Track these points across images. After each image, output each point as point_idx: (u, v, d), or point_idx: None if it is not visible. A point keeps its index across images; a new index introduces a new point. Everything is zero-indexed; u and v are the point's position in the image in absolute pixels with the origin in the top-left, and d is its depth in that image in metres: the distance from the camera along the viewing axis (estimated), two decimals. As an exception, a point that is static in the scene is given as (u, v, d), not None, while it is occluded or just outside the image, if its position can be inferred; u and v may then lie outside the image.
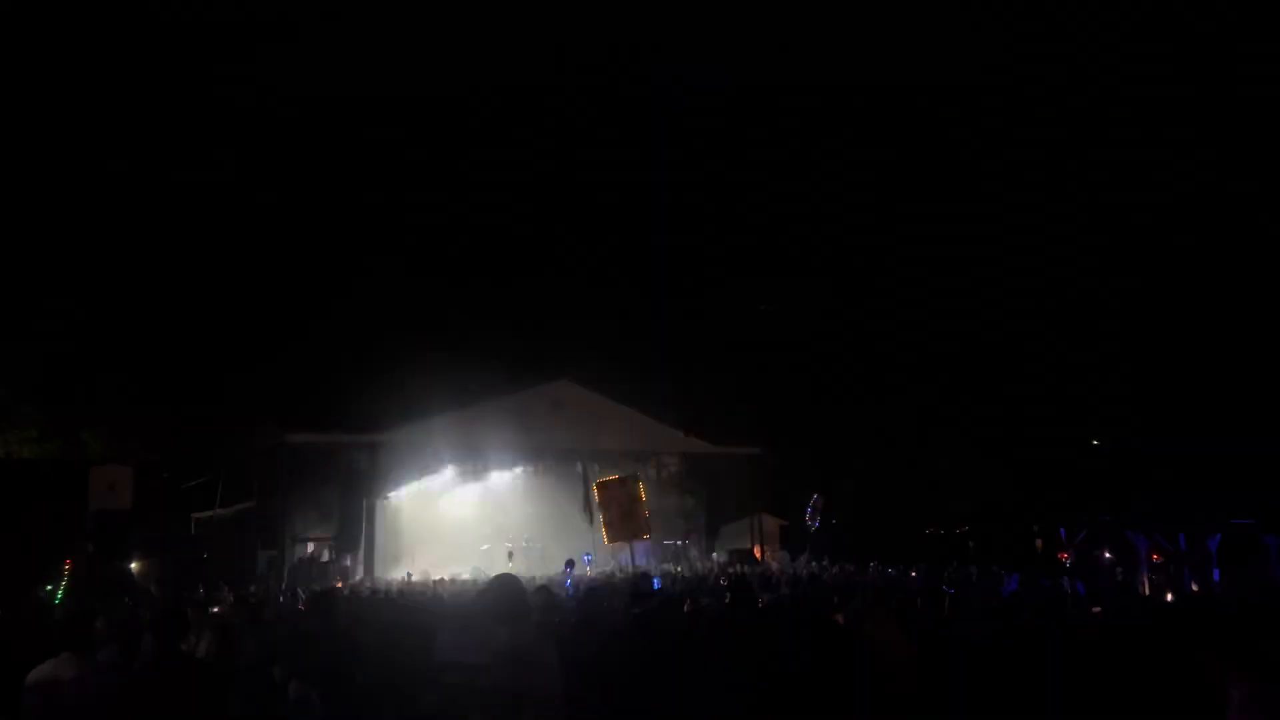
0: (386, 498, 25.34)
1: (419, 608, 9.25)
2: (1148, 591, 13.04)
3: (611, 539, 13.05)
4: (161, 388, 29.27)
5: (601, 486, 12.92)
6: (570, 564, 18.73)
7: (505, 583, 4.20)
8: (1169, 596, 10.83)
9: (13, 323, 26.45)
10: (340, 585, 19.52)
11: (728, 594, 8.52)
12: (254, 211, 35.45)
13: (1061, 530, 17.89)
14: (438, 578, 18.80)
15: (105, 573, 15.26)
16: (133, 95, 35.19)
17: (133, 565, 17.39)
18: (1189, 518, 15.32)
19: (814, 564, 22.34)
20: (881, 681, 5.96)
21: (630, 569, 23.05)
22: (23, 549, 15.86)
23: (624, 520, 12.76)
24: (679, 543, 27.28)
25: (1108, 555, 14.43)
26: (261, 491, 23.65)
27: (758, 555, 26.01)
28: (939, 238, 37.54)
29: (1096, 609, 10.87)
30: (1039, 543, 21.42)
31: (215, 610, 11.01)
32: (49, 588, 14.61)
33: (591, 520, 24.81)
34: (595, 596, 7.52)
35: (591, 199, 42.41)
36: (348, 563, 23.12)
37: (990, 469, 31.41)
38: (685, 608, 7.92)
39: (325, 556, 23.55)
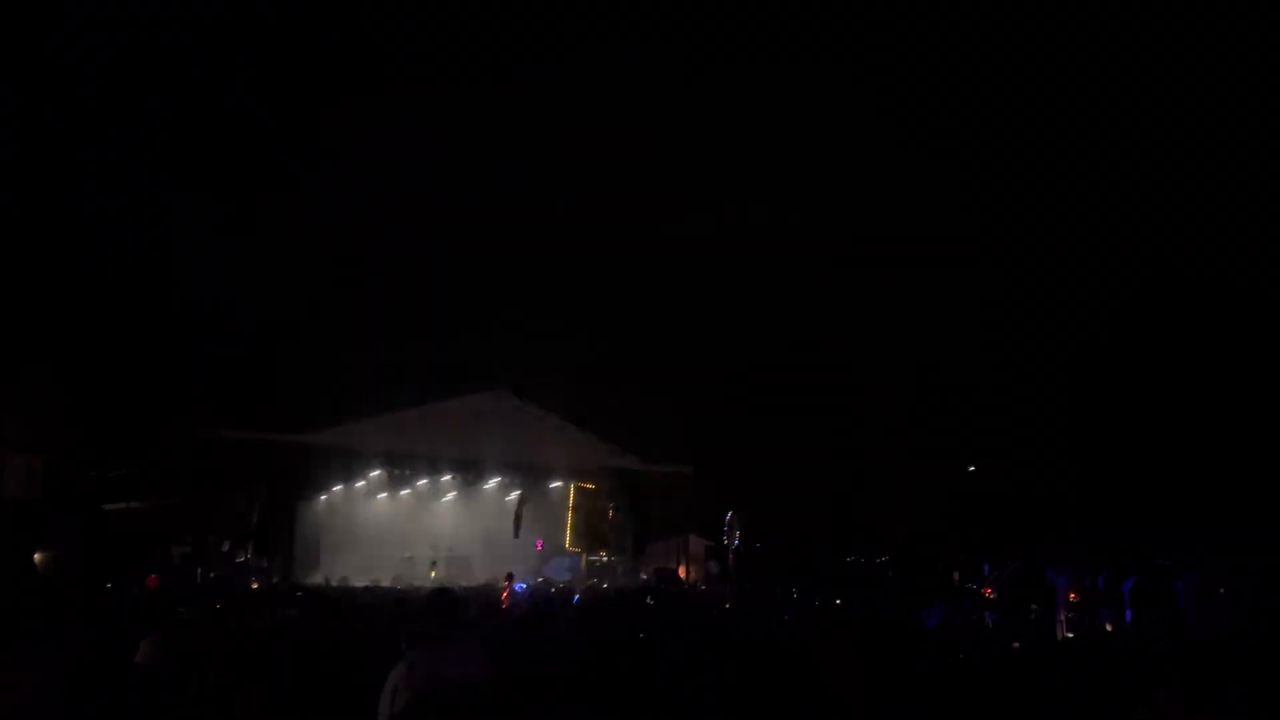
0: (310, 499, 24.84)
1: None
2: (1065, 630, 13.39)
3: (573, 544, 13.02)
4: (81, 377, 28.21)
5: (579, 491, 12.88)
6: (511, 576, 18.53)
7: (442, 595, 4.13)
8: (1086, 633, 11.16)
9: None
10: (255, 586, 19.05)
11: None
12: (189, 201, 34.52)
13: (985, 566, 18.28)
14: (363, 585, 18.48)
15: (11, 565, 14.64)
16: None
17: (37, 557, 16.70)
18: (1109, 558, 15.79)
19: (738, 587, 22.46)
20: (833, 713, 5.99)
21: (560, 583, 22.97)
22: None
23: (589, 531, 12.74)
24: (604, 559, 27.22)
25: (1028, 593, 14.83)
26: (181, 486, 22.96)
27: (681, 575, 26.06)
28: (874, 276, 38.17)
29: (1015, 644, 11.15)
30: (956, 576, 21.82)
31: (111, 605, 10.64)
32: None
33: (517, 533, 24.63)
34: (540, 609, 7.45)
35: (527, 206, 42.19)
36: (264, 564, 22.57)
37: (914, 500, 31.96)
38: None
39: (242, 556, 22.95)
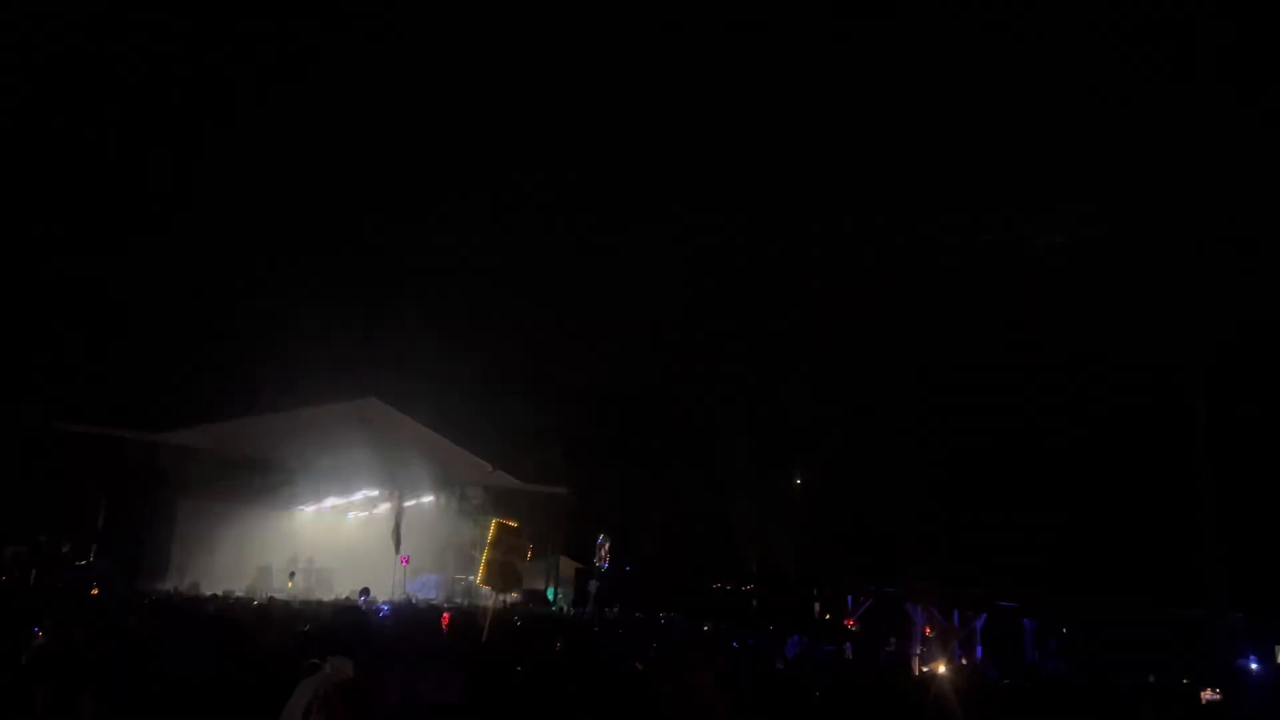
0: (161, 502, 23.53)
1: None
2: (918, 662, 13.88)
3: (483, 581, 12.54)
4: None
5: (500, 527, 12.36)
6: (367, 591, 17.94)
7: (353, 613, 3.97)
8: (940, 668, 11.59)
9: None
10: (95, 591, 17.90)
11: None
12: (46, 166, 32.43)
13: (849, 599, 18.83)
14: (212, 593, 17.61)
15: None
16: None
17: None
18: (961, 597, 16.50)
19: (606, 609, 22.46)
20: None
21: (420, 599, 22.43)
22: None
23: (502, 570, 12.33)
24: (469, 578, 26.74)
25: (887, 627, 15.32)
26: (17, 481, 21.41)
27: (550, 597, 25.90)
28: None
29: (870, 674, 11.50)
30: (817, 606, 22.42)
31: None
32: None
33: (398, 547, 23.98)
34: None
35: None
36: (106, 567, 21.22)
37: (778, 531, 32.63)
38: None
39: (84, 559, 21.55)
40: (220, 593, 18.47)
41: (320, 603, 17.83)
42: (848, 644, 14.00)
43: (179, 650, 6.99)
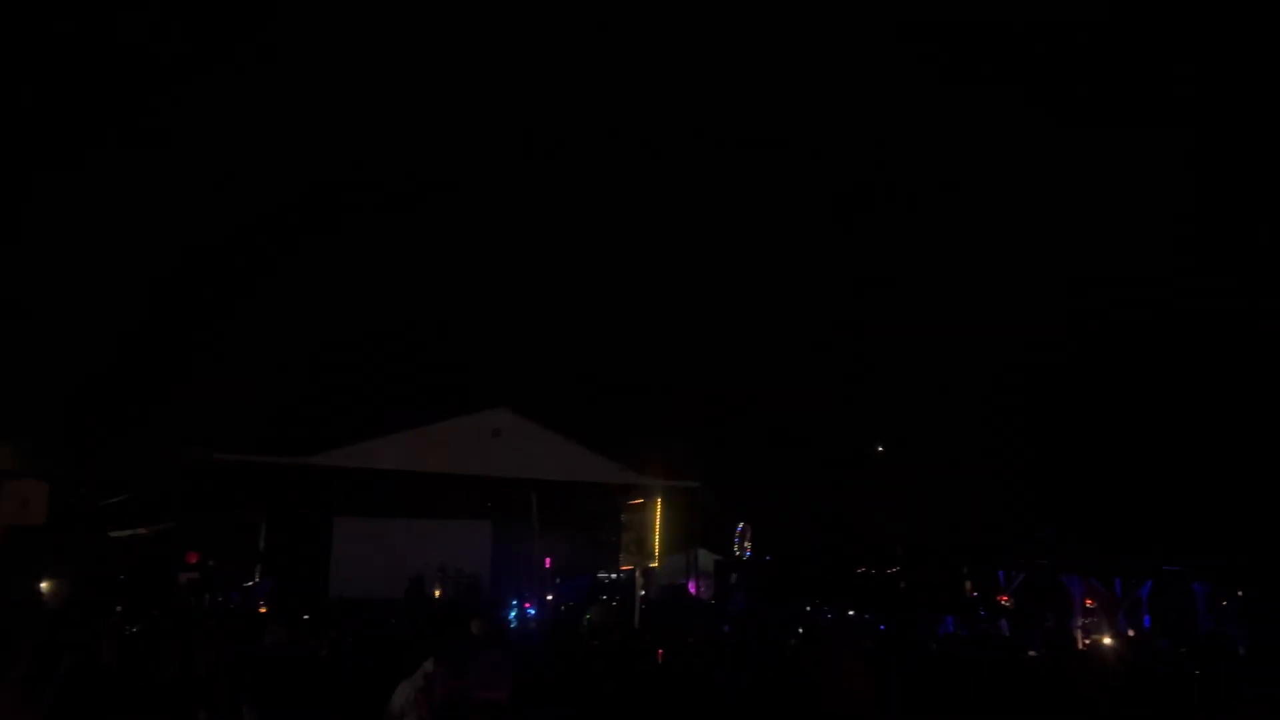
0: (316, 521, 24.71)
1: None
2: (1081, 637, 13.21)
3: (624, 562, 12.81)
4: (82, 401, 28.19)
5: (630, 508, 12.66)
6: (518, 599, 18.36)
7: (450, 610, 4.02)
8: (1105, 640, 11.00)
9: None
10: (264, 609, 18.90)
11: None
12: (193, 226, 34.58)
13: (1000, 574, 18.10)
14: (368, 603, 18.30)
15: (17, 592, 14.51)
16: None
17: (44, 584, 16.58)
18: (1122, 564, 15.62)
19: (748, 598, 22.30)
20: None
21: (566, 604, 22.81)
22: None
23: (638, 546, 12.57)
24: (612, 577, 27.01)
25: (1043, 600, 14.63)
26: (185, 511, 22.86)
27: (692, 590, 25.89)
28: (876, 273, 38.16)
29: (1032, 652, 11.00)
30: (968, 585, 21.64)
31: (134, 630, 10.56)
32: None
33: (541, 555, 24.52)
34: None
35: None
36: (271, 587, 22.41)
37: (923, 509, 31.74)
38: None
39: (250, 580, 22.84)
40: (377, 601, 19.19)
41: (471, 608, 18.29)
42: (1003, 621, 13.45)
43: (334, 659, 7.29)
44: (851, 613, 16.41)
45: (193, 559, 21.63)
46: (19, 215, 30.20)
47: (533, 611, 16.88)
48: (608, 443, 27.97)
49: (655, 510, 12.53)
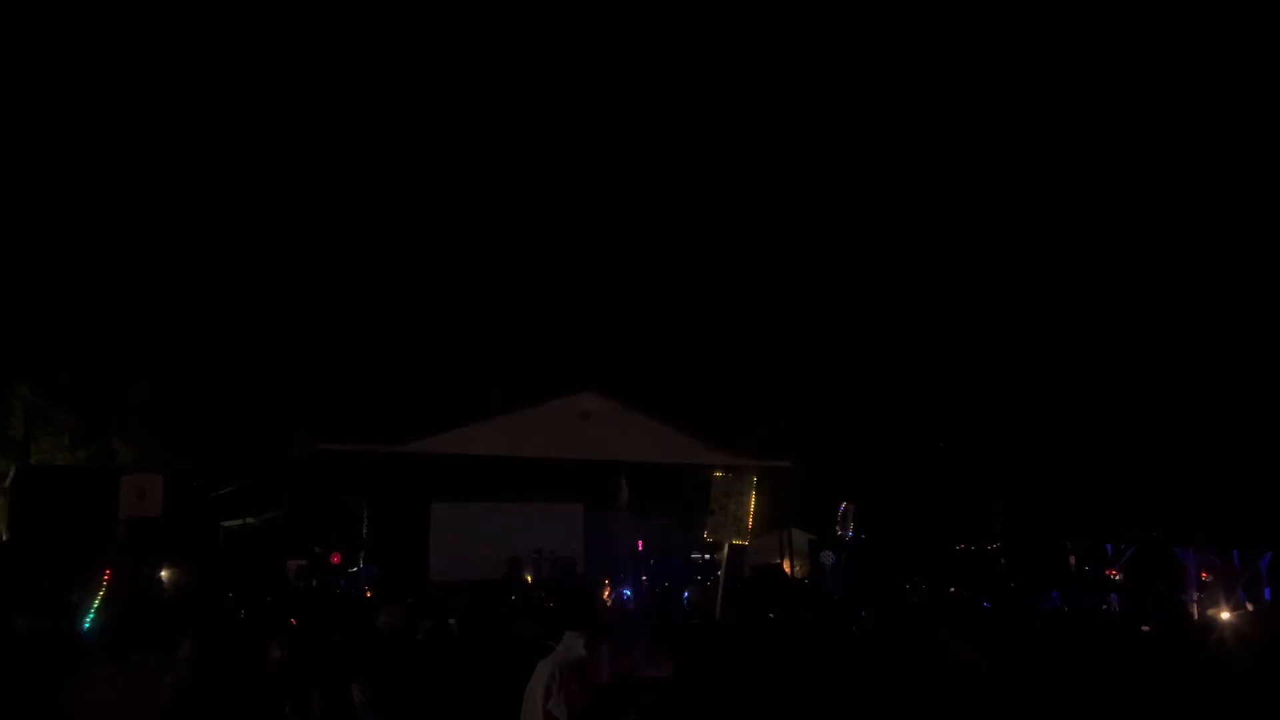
0: (414, 507, 25.34)
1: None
2: (1196, 610, 12.69)
3: (711, 536, 12.75)
4: (191, 394, 29.43)
5: (718, 480, 12.56)
6: (610, 578, 18.55)
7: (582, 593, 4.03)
8: (1224, 615, 10.54)
9: (44, 327, 26.67)
10: (369, 594, 19.45)
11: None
12: (286, 220, 35.66)
13: (1108, 546, 17.50)
14: (468, 585, 18.67)
15: (137, 582, 15.23)
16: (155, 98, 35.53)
17: (163, 574, 17.36)
18: (1239, 535, 14.94)
19: (843, 578, 22.06)
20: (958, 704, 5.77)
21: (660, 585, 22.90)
22: (55, 557, 15.88)
23: (733, 519, 12.51)
24: (705, 557, 27.02)
25: (1155, 573, 14.08)
26: (291, 500, 23.68)
27: (786, 569, 25.73)
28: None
29: (1145, 627, 10.60)
30: (1072, 559, 20.99)
31: (244, 615, 10.98)
32: (81, 598, 14.58)
33: (635, 537, 24.73)
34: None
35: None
36: (375, 572, 23.07)
37: (1024, 483, 30.92)
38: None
39: (355, 566, 23.54)
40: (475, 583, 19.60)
41: (560, 589, 18.51)
42: (1112, 595, 12.99)
43: (436, 641, 7.45)
44: (952, 590, 16.08)
45: (335, 560, 22.45)
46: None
47: (628, 593, 17.01)
48: (697, 423, 28.01)
49: (746, 484, 12.41)
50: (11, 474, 21.11)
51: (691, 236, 39.52)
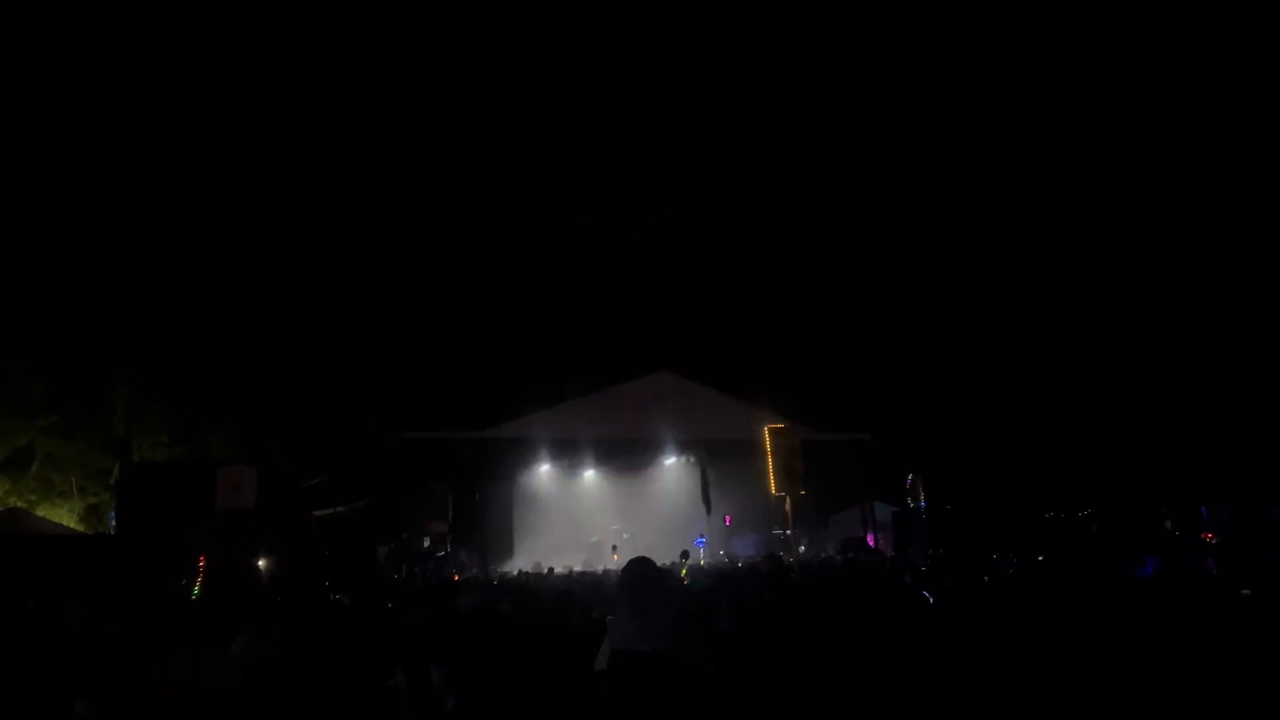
0: (497, 492, 25.78)
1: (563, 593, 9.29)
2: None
3: (777, 489, 12.78)
4: (278, 388, 30.38)
5: (771, 433, 12.60)
6: (685, 554, 18.64)
7: (646, 565, 4.07)
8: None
9: (140, 329, 27.75)
10: (456, 578, 19.87)
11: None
12: (366, 218, 36.46)
13: (1202, 509, 16.87)
14: (552, 568, 18.95)
15: (234, 570, 15.82)
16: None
17: (260, 562, 17.99)
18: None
19: (929, 551, 21.72)
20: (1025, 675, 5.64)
21: (741, 557, 22.90)
22: (157, 548, 16.60)
23: (787, 473, 12.56)
24: (786, 532, 26.91)
25: (1254, 534, 13.53)
26: (378, 488, 24.29)
27: (871, 543, 25.50)
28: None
29: (1245, 590, 10.22)
30: (1168, 523, 20.32)
31: (338, 599, 11.30)
32: (184, 584, 15.22)
33: (710, 510, 24.73)
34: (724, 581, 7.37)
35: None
36: (462, 555, 23.58)
37: (1112, 445, 30.02)
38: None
39: (441, 550, 24.07)
40: (560, 569, 19.86)
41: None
42: (1209, 560, 12.52)
43: (524, 625, 7.59)
44: (1041, 559, 15.71)
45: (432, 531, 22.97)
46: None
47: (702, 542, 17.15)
48: (771, 399, 27.80)
49: (794, 440, 12.36)
50: (116, 471, 22.12)
51: (759, 216, 39.23)
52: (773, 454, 12.45)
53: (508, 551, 25.27)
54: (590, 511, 27.36)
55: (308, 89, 40.12)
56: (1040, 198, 36.99)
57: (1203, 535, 15.56)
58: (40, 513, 23.39)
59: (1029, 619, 5.84)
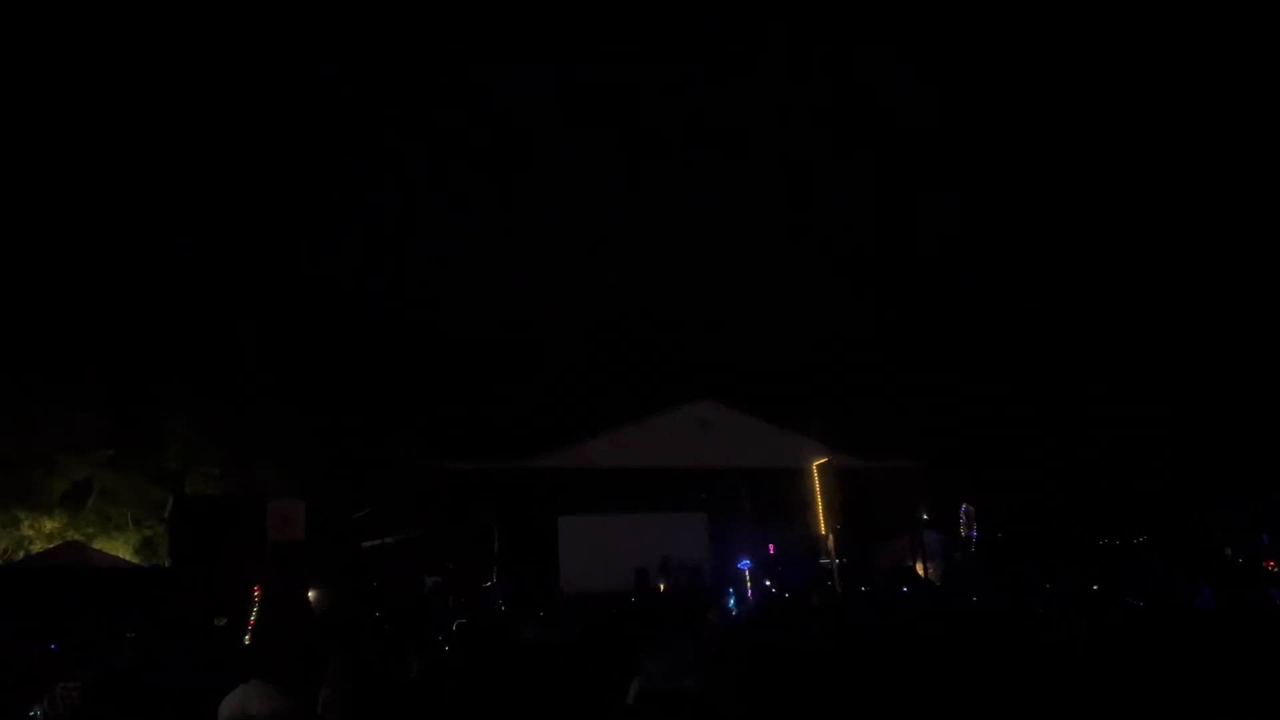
0: (542, 521, 25.80)
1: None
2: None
3: (827, 528, 12.70)
4: (326, 422, 30.79)
5: (820, 470, 12.54)
6: (730, 582, 18.50)
7: (682, 600, 4.08)
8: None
9: (193, 366, 28.37)
10: (502, 607, 19.89)
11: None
12: (407, 250, 37.01)
13: (1264, 535, 16.44)
14: (594, 597, 18.88)
15: (286, 601, 15.99)
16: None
17: (310, 594, 18.17)
18: None
19: (974, 579, 21.34)
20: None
21: (787, 587, 22.66)
22: (210, 580, 16.87)
23: (835, 510, 12.51)
24: (834, 561, 26.59)
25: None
26: (424, 519, 24.44)
27: (920, 572, 25.09)
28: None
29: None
30: (1228, 550, 19.83)
31: (386, 629, 11.38)
32: (232, 616, 15.42)
33: (754, 540, 24.62)
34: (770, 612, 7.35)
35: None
36: (508, 586, 23.58)
37: (1167, 471, 29.37)
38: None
39: (488, 580, 24.13)
40: (602, 596, 19.80)
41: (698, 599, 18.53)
42: (1272, 589, 12.21)
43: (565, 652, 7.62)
44: (1095, 588, 15.41)
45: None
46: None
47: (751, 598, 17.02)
48: (816, 426, 27.63)
49: (837, 474, 12.26)
50: (170, 504, 22.56)
51: (803, 245, 39.21)
52: (821, 492, 12.38)
53: (553, 581, 25.23)
54: (634, 540, 27.26)
55: (341, 123, 40.97)
56: (1095, 217, 36.54)
57: (1265, 563, 15.15)
58: (97, 545, 23.89)
59: (1086, 650, 5.77)
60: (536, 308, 37.76)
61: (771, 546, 26.56)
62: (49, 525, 25.37)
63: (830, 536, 12.42)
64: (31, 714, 6.53)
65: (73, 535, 24.73)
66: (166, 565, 21.16)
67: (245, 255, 33.83)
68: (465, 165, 42.55)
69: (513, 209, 41.33)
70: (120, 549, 25.49)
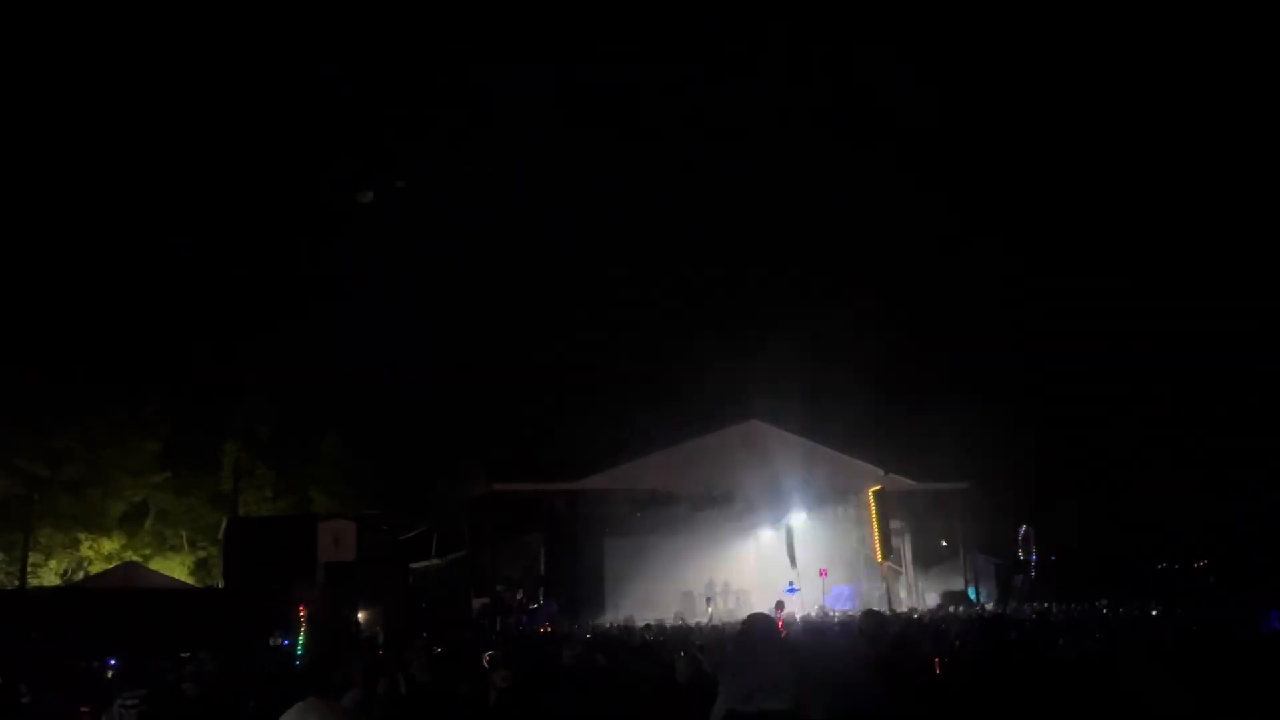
0: (588, 543, 25.78)
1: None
2: None
3: (883, 557, 12.62)
4: (375, 444, 31.13)
5: (875, 496, 12.46)
6: (780, 605, 18.31)
7: (766, 620, 4.04)
8: None
9: (244, 389, 28.87)
10: (549, 629, 19.90)
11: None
12: (454, 274, 37.33)
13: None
14: (643, 624, 18.79)
15: (337, 621, 16.17)
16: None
17: (360, 615, 18.34)
18: None
19: (1039, 604, 20.90)
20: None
21: (836, 611, 22.41)
22: (262, 598, 17.09)
23: (889, 538, 12.42)
24: (886, 585, 26.24)
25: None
26: (472, 540, 24.55)
27: (973, 596, 24.72)
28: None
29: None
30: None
31: (440, 652, 11.45)
32: (284, 636, 15.60)
33: (793, 562, 24.35)
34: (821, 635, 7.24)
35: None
36: (554, 608, 23.57)
37: (1227, 494, 28.52)
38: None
39: (534, 603, 24.12)
40: (651, 623, 19.71)
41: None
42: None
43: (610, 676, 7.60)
44: (1155, 612, 15.03)
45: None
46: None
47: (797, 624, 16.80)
48: (866, 447, 27.26)
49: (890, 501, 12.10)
50: (224, 525, 22.96)
51: (849, 264, 38.86)
52: (877, 519, 12.27)
53: (599, 603, 25.14)
54: (681, 562, 27.11)
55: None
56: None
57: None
58: (154, 566, 24.38)
59: (1149, 680, 5.60)
60: (575, 327, 37.83)
61: (823, 570, 26.25)
62: (108, 546, 25.92)
63: (885, 566, 12.28)
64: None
65: (130, 556, 25.24)
66: (220, 586, 21.51)
67: (297, 280, 34.42)
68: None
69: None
70: (176, 569, 25.96)
